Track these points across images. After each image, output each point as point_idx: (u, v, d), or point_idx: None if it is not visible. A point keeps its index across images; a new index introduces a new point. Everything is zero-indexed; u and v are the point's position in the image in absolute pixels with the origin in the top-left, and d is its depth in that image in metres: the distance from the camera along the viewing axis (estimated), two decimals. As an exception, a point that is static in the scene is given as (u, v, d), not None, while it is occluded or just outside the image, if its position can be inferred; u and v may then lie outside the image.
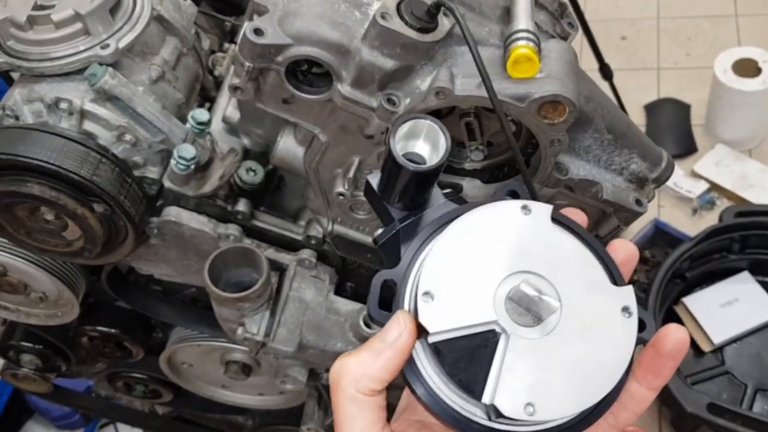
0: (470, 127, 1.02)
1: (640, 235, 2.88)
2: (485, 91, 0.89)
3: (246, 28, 0.89)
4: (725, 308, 2.68)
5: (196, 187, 1.11)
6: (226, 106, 1.20)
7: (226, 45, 1.41)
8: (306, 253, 1.16)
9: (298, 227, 1.20)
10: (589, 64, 3.53)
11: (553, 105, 0.90)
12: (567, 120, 0.90)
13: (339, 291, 1.25)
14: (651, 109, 3.29)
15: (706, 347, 2.58)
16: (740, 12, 3.52)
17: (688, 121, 3.21)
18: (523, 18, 0.92)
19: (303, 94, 0.96)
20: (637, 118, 3.24)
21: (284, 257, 1.17)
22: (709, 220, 3.04)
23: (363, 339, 1.19)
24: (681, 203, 3.05)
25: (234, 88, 0.95)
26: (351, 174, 1.05)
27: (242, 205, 1.15)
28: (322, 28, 0.90)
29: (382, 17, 0.88)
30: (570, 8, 1.17)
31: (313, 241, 1.18)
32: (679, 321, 2.57)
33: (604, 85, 2.81)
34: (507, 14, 0.96)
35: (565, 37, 1.14)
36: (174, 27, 1.17)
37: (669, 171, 1.04)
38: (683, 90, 3.32)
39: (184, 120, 1.17)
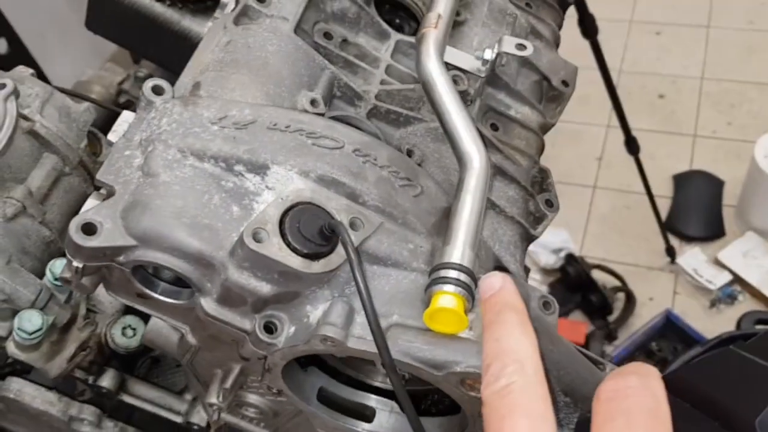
0: (386, 349, 0.77)
1: (649, 326, 2.61)
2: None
3: (73, 223, 0.65)
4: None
5: (47, 356, 0.88)
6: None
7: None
8: (179, 450, 0.93)
9: (181, 403, 0.96)
10: (604, 118, 3.27)
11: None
12: (499, 396, 0.65)
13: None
14: (680, 180, 2.99)
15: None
16: (794, 82, 3.18)
17: (719, 201, 2.92)
18: (460, 242, 0.66)
19: (159, 297, 0.72)
20: (664, 189, 2.95)
21: (153, 450, 0.94)
22: (729, 316, 2.76)
23: None
24: (699, 293, 2.76)
25: (65, 281, 0.71)
26: (229, 383, 0.80)
27: (107, 380, 0.92)
28: (176, 233, 0.65)
29: (254, 237, 0.63)
30: (551, 178, 0.91)
31: (195, 428, 0.94)
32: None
33: (629, 160, 2.52)
34: (446, 219, 0.70)
35: (540, 219, 0.89)
36: (52, 143, 0.93)
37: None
38: (719, 163, 3.02)
39: (54, 256, 0.94)
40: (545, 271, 2.86)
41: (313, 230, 0.64)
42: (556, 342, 0.71)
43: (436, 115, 0.77)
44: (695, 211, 2.90)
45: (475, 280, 0.65)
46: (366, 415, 0.83)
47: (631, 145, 2.47)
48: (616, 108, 2.39)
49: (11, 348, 0.87)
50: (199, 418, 0.94)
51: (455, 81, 0.85)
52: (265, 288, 0.66)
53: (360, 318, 0.67)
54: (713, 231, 2.85)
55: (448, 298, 0.63)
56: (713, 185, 2.97)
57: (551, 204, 0.89)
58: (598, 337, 2.65)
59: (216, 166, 0.68)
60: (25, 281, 0.86)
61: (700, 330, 2.58)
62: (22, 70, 0.98)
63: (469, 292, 0.64)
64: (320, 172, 0.67)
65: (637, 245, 2.84)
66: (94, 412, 0.91)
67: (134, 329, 0.94)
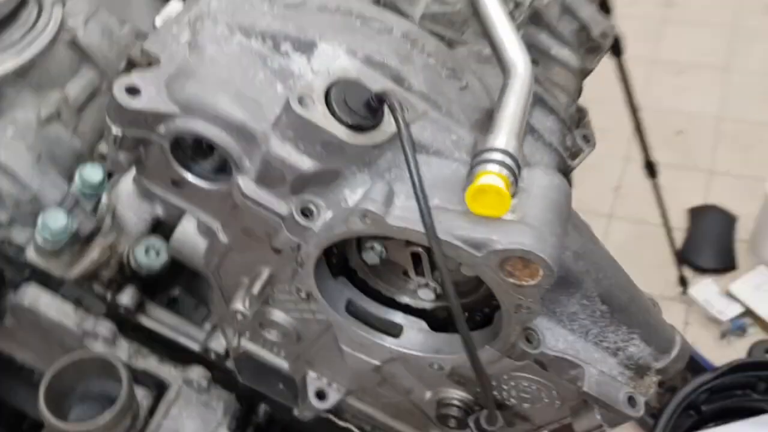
0: (418, 256, 0.75)
1: (658, 354, 2.57)
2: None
3: (116, 83, 0.64)
4: (741, 453, 2.36)
5: (66, 264, 0.86)
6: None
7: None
8: (195, 372, 0.90)
9: (199, 332, 0.94)
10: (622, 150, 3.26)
11: (522, 261, 0.63)
12: (540, 284, 0.63)
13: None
14: (695, 214, 2.99)
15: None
16: (811, 127, 3.20)
17: (731, 235, 2.91)
18: (504, 131, 0.65)
19: (194, 179, 0.71)
20: (678, 221, 2.94)
21: (168, 372, 0.90)
22: (738, 348, 2.72)
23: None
24: (710, 324, 2.73)
25: (101, 157, 0.70)
26: (256, 289, 0.78)
27: (126, 297, 0.89)
28: (220, 100, 0.65)
29: (300, 102, 0.62)
30: (589, 117, 0.90)
31: (212, 356, 0.91)
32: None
33: (647, 184, 2.52)
34: (489, 119, 0.70)
35: (576, 153, 0.88)
36: (92, 57, 0.93)
37: (680, 363, 0.76)
38: (733, 199, 3.01)
39: (81, 173, 0.93)
40: (556, 297, 2.83)
41: (358, 102, 0.64)
42: (598, 243, 0.69)
43: (480, 26, 0.76)
44: (708, 243, 2.89)
45: (520, 166, 0.64)
46: (393, 332, 0.80)
47: (651, 169, 2.47)
48: (637, 127, 2.40)
49: (30, 254, 0.86)
50: (218, 344, 0.92)
51: (501, 0, 0.85)
52: (306, 163, 0.65)
53: (399, 201, 0.65)
54: (725, 263, 2.84)
55: (492, 176, 0.62)
56: (726, 220, 2.97)
57: (588, 140, 0.88)
58: (608, 363, 2.61)
59: (263, 44, 0.68)
60: (53, 181, 0.85)
61: (710, 360, 2.54)
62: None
63: (513, 175, 0.63)
64: (367, 52, 0.67)
65: (649, 274, 2.81)
66: (110, 328, 0.88)
67: (158, 251, 0.92)
